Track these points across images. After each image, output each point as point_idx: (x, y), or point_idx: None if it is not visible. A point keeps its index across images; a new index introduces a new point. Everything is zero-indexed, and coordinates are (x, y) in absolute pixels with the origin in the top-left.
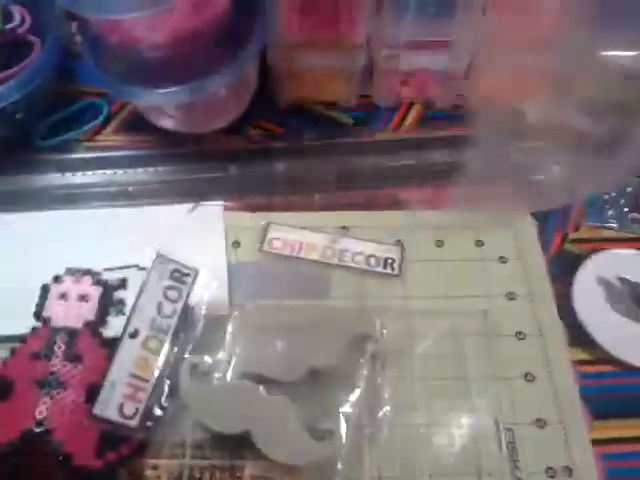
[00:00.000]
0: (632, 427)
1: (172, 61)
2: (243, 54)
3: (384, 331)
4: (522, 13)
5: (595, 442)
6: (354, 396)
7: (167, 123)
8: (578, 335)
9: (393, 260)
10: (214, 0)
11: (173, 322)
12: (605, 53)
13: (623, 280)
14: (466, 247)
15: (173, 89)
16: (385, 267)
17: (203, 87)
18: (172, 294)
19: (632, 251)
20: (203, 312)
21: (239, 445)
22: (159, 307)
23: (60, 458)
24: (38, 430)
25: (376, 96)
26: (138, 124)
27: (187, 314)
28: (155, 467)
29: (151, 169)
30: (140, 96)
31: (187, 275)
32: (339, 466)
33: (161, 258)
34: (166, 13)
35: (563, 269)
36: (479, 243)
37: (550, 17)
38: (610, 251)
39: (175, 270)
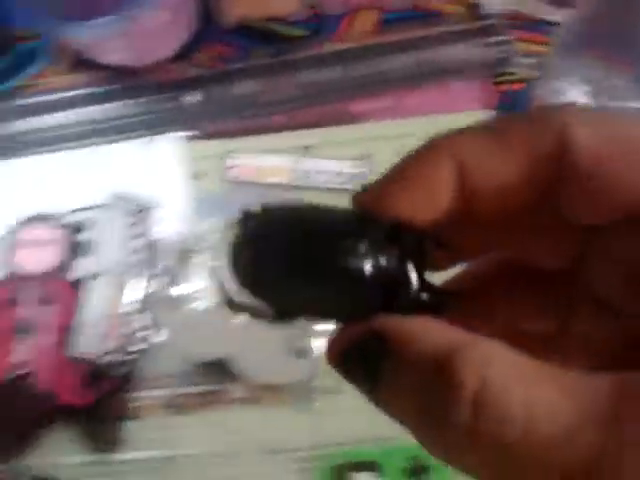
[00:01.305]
0: None
1: None
2: None
3: None
4: None
5: None
6: None
7: (112, 58)
8: None
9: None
10: None
11: (139, 258)
12: None
13: None
14: None
15: (108, 19)
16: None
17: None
18: (135, 231)
19: None
20: (170, 245)
21: (223, 370)
22: (123, 245)
23: (43, 398)
24: (18, 373)
25: (326, 4)
26: (82, 63)
27: (154, 249)
28: (140, 399)
29: (100, 107)
30: (75, 32)
31: (147, 211)
32: (316, 382)
33: (119, 196)
34: None
35: None
36: None
37: None
38: None
39: (135, 207)
